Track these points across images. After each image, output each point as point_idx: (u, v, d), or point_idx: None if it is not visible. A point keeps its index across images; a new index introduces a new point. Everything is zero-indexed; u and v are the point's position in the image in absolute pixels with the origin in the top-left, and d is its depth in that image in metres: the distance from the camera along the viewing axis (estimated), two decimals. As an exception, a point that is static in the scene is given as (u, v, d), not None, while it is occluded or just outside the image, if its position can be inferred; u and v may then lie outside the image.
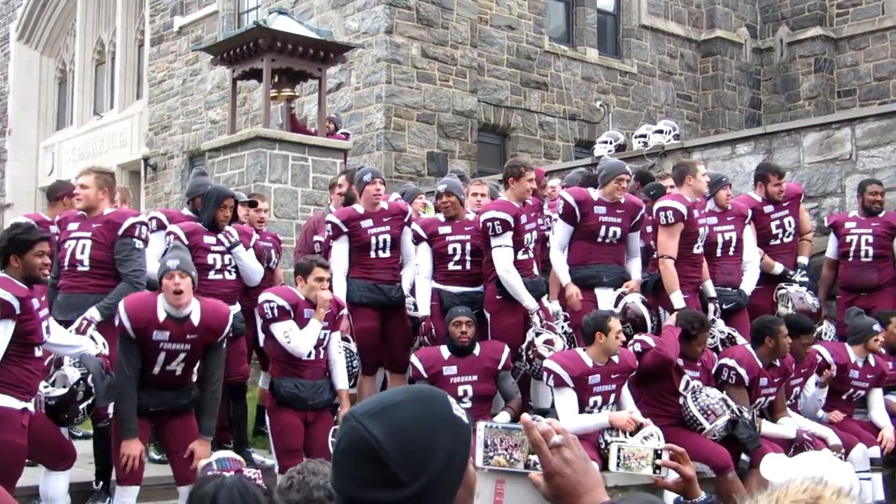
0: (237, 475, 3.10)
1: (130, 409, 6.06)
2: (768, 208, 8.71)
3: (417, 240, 7.85)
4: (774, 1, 22.59)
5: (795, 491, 1.72)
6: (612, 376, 6.73)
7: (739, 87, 22.09)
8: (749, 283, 8.35)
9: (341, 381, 6.86)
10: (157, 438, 6.90)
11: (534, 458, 2.03)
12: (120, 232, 6.99)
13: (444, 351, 7.11)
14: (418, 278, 7.79)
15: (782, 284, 8.46)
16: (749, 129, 16.35)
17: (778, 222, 8.74)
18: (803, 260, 8.81)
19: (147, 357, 6.11)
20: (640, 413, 6.73)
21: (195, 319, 6.15)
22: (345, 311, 7.15)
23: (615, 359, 6.71)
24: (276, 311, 6.64)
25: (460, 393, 6.97)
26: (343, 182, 9.47)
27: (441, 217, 7.91)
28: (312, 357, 6.72)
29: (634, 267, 7.94)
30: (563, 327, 7.66)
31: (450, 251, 7.75)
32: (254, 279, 7.85)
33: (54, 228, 7.17)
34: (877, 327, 7.92)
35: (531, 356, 7.31)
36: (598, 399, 6.69)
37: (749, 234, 8.47)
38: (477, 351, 7.15)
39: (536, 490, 2.00)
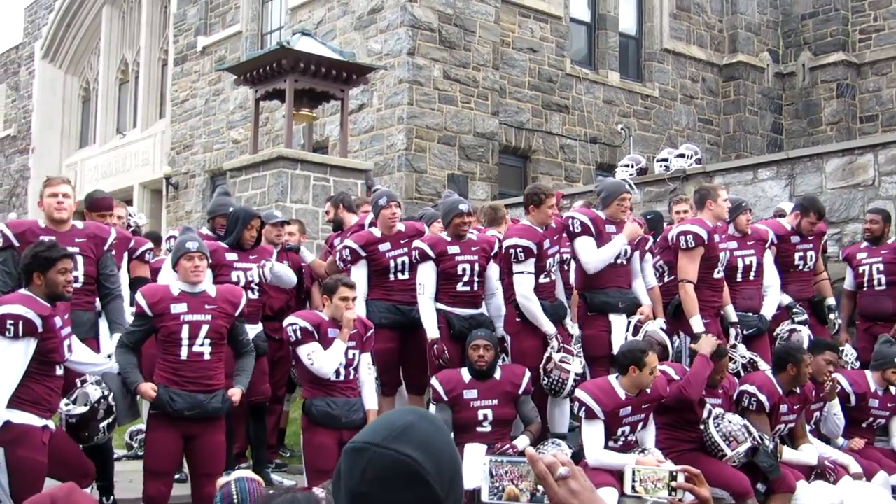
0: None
1: (130, 363, 6.15)
2: (795, 238, 8.69)
3: (423, 258, 7.58)
4: (797, 26, 22.58)
5: None
6: (643, 406, 6.66)
7: (761, 112, 22.06)
8: (770, 308, 8.30)
9: (370, 401, 6.80)
10: (186, 456, 6.85)
11: (541, 488, 2.03)
12: (106, 247, 6.94)
13: (465, 374, 7.03)
14: (423, 299, 7.51)
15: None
16: (771, 153, 16.32)
17: (801, 254, 8.71)
18: (831, 301, 8.78)
19: (171, 338, 6.10)
20: (661, 454, 6.63)
21: (211, 292, 6.29)
22: (372, 331, 7.01)
23: (647, 389, 6.64)
24: (299, 333, 6.60)
25: (480, 417, 6.89)
26: (329, 208, 9.51)
27: (447, 236, 7.70)
28: (342, 377, 6.66)
29: (641, 289, 7.88)
30: (580, 351, 7.61)
31: (459, 271, 7.59)
32: (291, 282, 8.07)
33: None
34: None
35: (549, 369, 7.26)
36: (627, 429, 6.64)
37: (770, 258, 8.44)
38: (497, 375, 7.05)
39: None
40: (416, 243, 7.67)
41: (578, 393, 6.62)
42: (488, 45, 17.73)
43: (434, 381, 7.03)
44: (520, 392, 7.06)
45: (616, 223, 7.73)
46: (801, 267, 8.70)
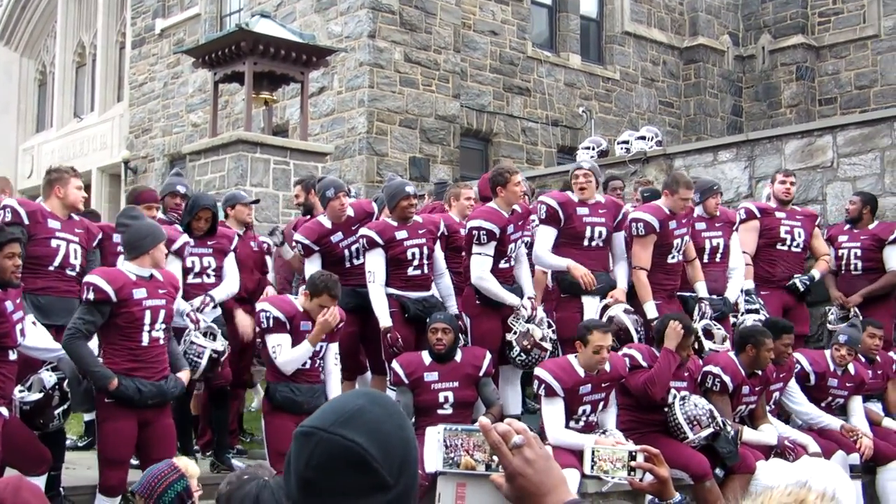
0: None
1: (91, 356, 5.94)
2: (780, 213, 8.88)
3: (371, 245, 7.46)
4: (757, 9, 22.70)
5: (780, 495, 1.70)
6: (603, 385, 6.68)
7: (721, 95, 22.18)
8: (733, 291, 8.35)
9: (334, 390, 6.77)
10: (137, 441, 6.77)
11: (496, 459, 2.00)
12: (95, 242, 7.20)
13: (426, 357, 7.02)
14: (374, 287, 7.38)
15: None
16: (731, 136, 16.40)
17: (788, 228, 8.85)
18: (815, 272, 8.87)
19: (135, 324, 6.00)
20: (622, 436, 6.64)
21: (157, 275, 6.22)
22: (343, 322, 6.92)
23: (606, 367, 6.65)
24: (270, 321, 6.59)
25: (441, 399, 6.91)
26: (299, 192, 9.43)
27: (392, 221, 7.61)
28: (307, 366, 6.66)
29: (620, 272, 7.85)
30: (550, 335, 7.57)
31: (408, 256, 7.51)
32: (230, 289, 7.88)
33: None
34: (842, 338, 7.90)
35: (528, 346, 7.23)
36: (588, 408, 6.66)
37: (736, 241, 8.48)
38: (458, 357, 7.06)
39: (499, 492, 1.97)
40: (363, 231, 7.57)
41: (538, 371, 6.64)
42: (449, 28, 17.66)
43: (394, 364, 7.02)
44: (480, 374, 7.08)
45: (590, 205, 7.73)
46: (788, 243, 8.82)
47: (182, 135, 20.77)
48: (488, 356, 7.18)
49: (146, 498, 4.29)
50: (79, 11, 26.24)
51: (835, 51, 21.82)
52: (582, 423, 6.64)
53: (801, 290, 8.77)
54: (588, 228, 7.71)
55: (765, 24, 22.52)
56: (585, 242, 7.72)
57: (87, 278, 6.02)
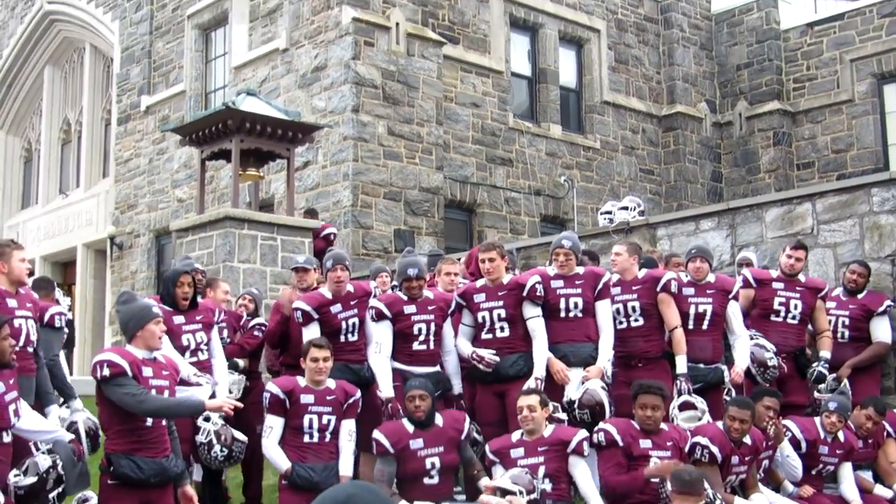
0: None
1: (165, 400, 6.02)
2: (778, 284, 8.83)
3: (379, 317, 7.65)
4: (732, 77, 23.11)
5: None
6: (539, 449, 6.77)
7: (701, 161, 22.47)
8: (742, 359, 8.22)
9: (345, 467, 6.94)
10: None
11: None
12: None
13: (407, 425, 7.08)
14: (378, 357, 7.58)
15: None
16: (712, 204, 16.62)
17: (783, 300, 8.75)
18: (825, 354, 8.72)
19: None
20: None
21: (160, 358, 6.26)
22: (357, 397, 7.11)
23: (546, 433, 6.80)
24: (268, 401, 6.92)
25: (428, 466, 6.96)
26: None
27: (403, 295, 7.77)
28: (316, 439, 6.89)
29: (603, 345, 7.82)
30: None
31: (415, 331, 7.66)
32: (219, 367, 7.98)
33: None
34: (832, 405, 7.93)
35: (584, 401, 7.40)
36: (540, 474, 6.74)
37: (736, 309, 8.44)
38: (439, 421, 7.13)
39: None
40: (373, 302, 7.76)
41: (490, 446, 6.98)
42: (431, 101, 17.91)
43: (377, 434, 7.04)
44: (462, 437, 7.19)
45: (564, 277, 7.84)
46: (782, 314, 8.77)
47: (168, 210, 20.87)
48: (467, 419, 7.31)
49: None
50: (64, 89, 26.47)
51: (811, 116, 22.19)
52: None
53: (822, 376, 8.63)
54: (562, 300, 7.80)
55: (741, 91, 22.91)
56: (562, 314, 7.80)
57: (100, 356, 6.01)
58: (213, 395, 7.35)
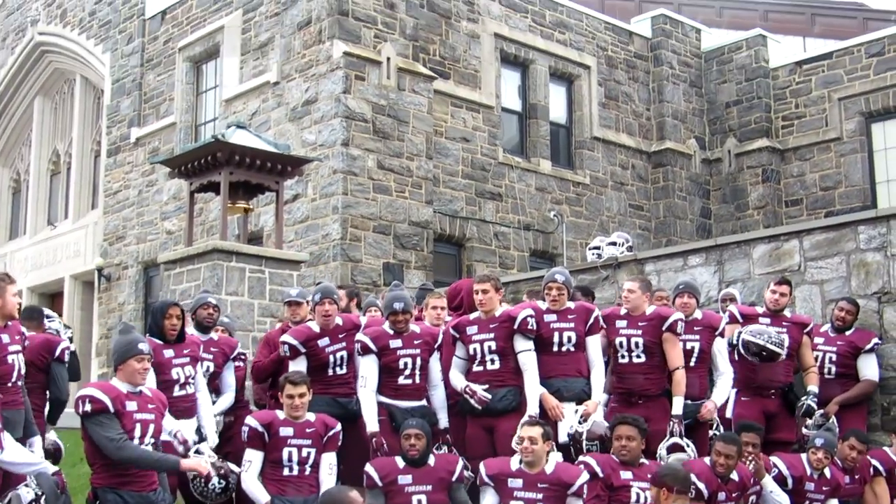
0: None
1: (143, 452, 6.01)
2: (765, 320, 8.85)
3: (365, 351, 7.66)
4: (722, 114, 23.25)
5: None
6: (539, 485, 6.72)
7: (690, 197, 22.55)
8: (720, 395, 8.26)
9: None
10: None
11: None
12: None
13: (399, 461, 7.10)
14: (364, 392, 7.59)
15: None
16: (700, 240, 16.68)
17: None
18: (813, 388, 8.75)
19: (129, 436, 6.02)
20: None
21: (146, 391, 6.27)
22: (337, 429, 7.10)
23: (547, 469, 6.73)
24: (246, 435, 6.95)
25: (414, 502, 6.95)
26: (342, 297, 9.58)
27: (389, 329, 7.78)
28: (295, 472, 6.86)
29: (595, 379, 7.87)
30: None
31: (401, 365, 7.67)
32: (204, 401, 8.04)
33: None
34: (819, 442, 7.91)
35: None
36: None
37: (722, 345, 8.47)
38: (432, 461, 7.15)
39: None
40: (359, 336, 7.75)
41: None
42: (421, 135, 17.95)
43: (368, 468, 7.07)
44: (453, 479, 7.17)
45: (558, 311, 7.84)
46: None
47: (156, 242, 20.84)
48: (461, 462, 7.30)
49: None
50: (54, 120, 26.47)
51: (799, 153, 22.33)
52: None
53: (811, 410, 8.65)
54: (556, 334, 7.82)
55: (730, 128, 23.04)
56: (555, 348, 7.81)
57: (83, 391, 6.02)
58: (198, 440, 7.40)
